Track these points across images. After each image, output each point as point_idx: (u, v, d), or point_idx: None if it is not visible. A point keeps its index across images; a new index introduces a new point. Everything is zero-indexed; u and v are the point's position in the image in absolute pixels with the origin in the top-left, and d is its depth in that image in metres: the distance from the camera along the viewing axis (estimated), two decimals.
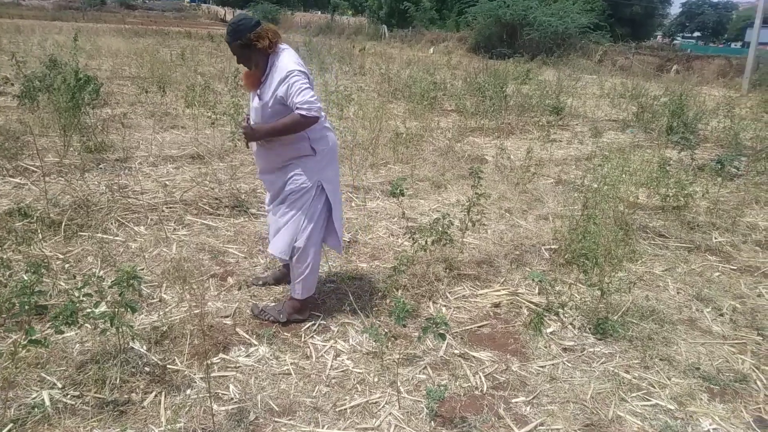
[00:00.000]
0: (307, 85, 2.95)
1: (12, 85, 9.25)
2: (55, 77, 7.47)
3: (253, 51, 3.01)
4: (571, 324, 3.54)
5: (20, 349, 2.43)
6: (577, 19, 26.56)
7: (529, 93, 11.76)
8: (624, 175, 5.20)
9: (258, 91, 3.12)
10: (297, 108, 2.89)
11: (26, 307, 2.30)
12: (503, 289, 3.97)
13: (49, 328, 2.54)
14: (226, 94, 10.24)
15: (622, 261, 3.76)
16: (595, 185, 5.12)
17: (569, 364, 3.15)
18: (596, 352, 3.28)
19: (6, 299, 3.12)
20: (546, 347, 3.31)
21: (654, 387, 2.99)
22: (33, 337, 2.32)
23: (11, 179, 5.42)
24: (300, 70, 2.97)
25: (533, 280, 3.56)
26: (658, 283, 4.24)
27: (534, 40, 26.05)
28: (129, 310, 2.59)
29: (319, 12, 55.77)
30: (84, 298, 2.73)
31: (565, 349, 3.29)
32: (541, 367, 3.12)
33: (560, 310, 3.61)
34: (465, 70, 15.75)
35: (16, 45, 15.52)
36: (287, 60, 3.03)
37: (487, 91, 10.85)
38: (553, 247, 4.67)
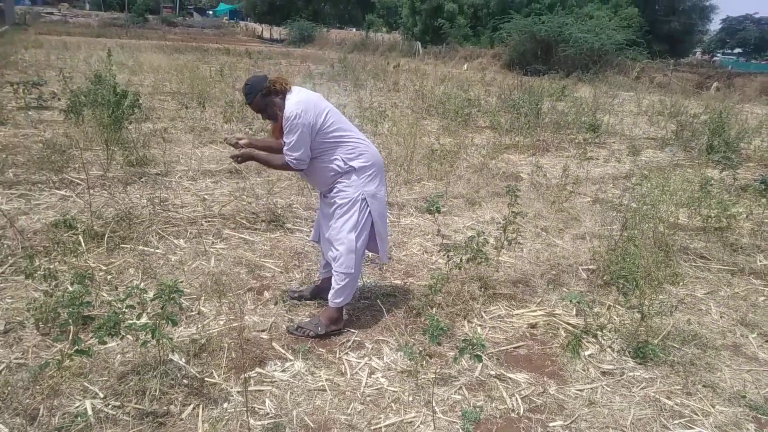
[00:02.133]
0: (298, 141, 3.17)
1: (59, 99, 9.60)
2: (98, 92, 7.73)
3: (273, 98, 3.23)
4: (609, 347, 3.47)
5: (66, 358, 2.49)
6: (613, 36, 26.29)
7: (565, 110, 11.66)
8: (664, 195, 5.09)
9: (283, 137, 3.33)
10: (286, 156, 3.24)
11: (74, 317, 2.36)
12: (540, 310, 3.92)
13: (92, 338, 2.59)
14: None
15: (662, 283, 3.68)
16: (635, 205, 5.04)
17: (608, 389, 3.08)
18: (636, 377, 3.21)
19: (52, 309, 3.23)
20: (584, 370, 3.25)
21: (697, 415, 2.90)
22: (79, 347, 2.38)
23: (57, 191, 5.60)
24: (297, 120, 3.13)
25: (571, 301, 3.50)
26: (700, 306, 4.13)
27: (569, 56, 25.85)
28: (170, 322, 2.64)
29: (354, 29, 56.39)
30: (126, 310, 2.80)
31: (603, 373, 3.23)
32: (579, 390, 3.06)
33: (599, 332, 3.54)
34: (499, 87, 15.71)
35: (63, 61, 16.10)
36: (289, 104, 3.21)
37: (521, 108, 10.79)
38: (590, 267, 4.59)
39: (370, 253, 3.79)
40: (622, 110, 14.51)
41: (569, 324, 3.72)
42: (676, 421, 2.85)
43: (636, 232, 4.21)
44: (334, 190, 3.35)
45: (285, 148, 3.22)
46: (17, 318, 3.33)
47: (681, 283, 4.42)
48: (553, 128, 10.48)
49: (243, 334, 3.32)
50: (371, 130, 9.15)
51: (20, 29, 30.09)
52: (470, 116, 11.11)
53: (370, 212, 3.38)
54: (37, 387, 2.66)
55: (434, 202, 3.93)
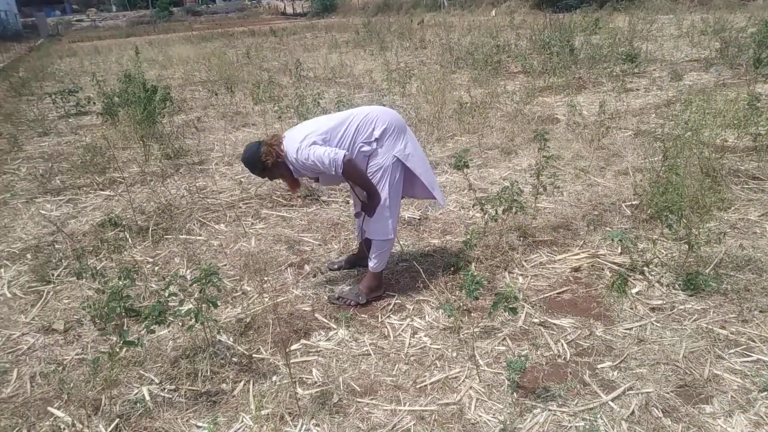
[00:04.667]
0: (321, 153, 2.98)
1: (95, 104, 9.86)
2: (128, 91, 7.90)
3: (274, 167, 3.16)
4: (658, 282, 3.37)
5: (117, 350, 2.61)
6: None
7: (600, 43, 11.17)
8: (708, 118, 4.84)
9: (305, 180, 3.32)
10: (338, 167, 2.99)
11: (117, 311, 2.45)
12: (583, 253, 3.83)
13: (143, 328, 2.70)
14: (290, 87, 10.44)
15: (710, 210, 3.53)
16: (676, 132, 4.82)
17: (658, 324, 3.00)
18: (687, 309, 3.11)
19: (105, 305, 3.37)
20: (632, 308, 3.17)
21: (755, 341, 2.80)
22: (126, 339, 2.48)
23: (101, 192, 5.80)
24: (303, 150, 3.02)
25: (613, 239, 3.40)
26: (754, 229, 3.94)
27: None
28: (211, 305, 2.71)
29: None
30: (170, 298, 2.89)
31: (653, 309, 3.14)
32: (628, 329, 2.99)
33: (645, 268, 3.44)
34: (530, 29, 15.15)
35: (96, 65, 16.51)
36: (289, 151, 3.10)
37: (553, 47, 10.41)
38: (634, 203, 4.44)
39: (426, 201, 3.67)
40: (662, 35, 13.80)
41: (614, 263, 3.62)
42: (732, 350, 2.75)
43: (679, 160, 4.02)
44: (369, 165, 3.24)
45: (324, 164, 3.00)
46: (75, 317, 3.49)
47: (731, 208, 4.23)
48: (588, 64, 10.07)
49: (286, 309, 3.39)
50: (399, 92, 9.04)
51: (54, 40, 30.97)
52: (500, 63, 10.80)
53: (401, 171, 3.27)
54: (97, 379, 2.80)
55: (461, 158, 3.86)
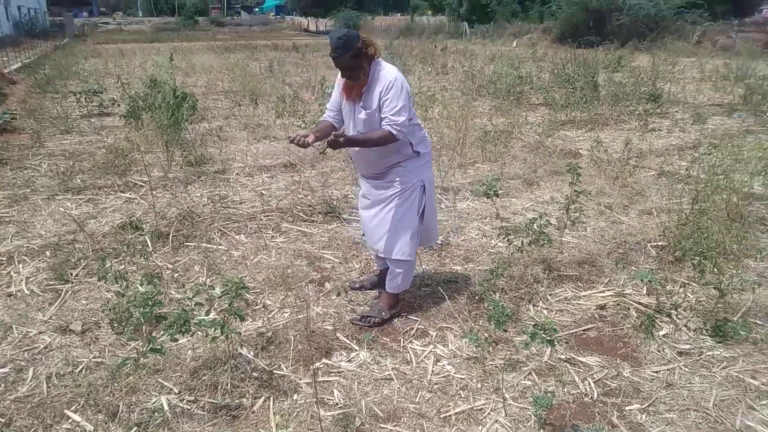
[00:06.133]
0: (405, 106, 3.02)
1: (119, 105, 9.94)
2: (155, 96, 7.96)
3: (363, 59, 3.03)
4: (685, 326, 3.31)
5: (141, 356, 2.57)
6: (670, 0, 25.07)
7: (623, 81, 11.20)
8: (737, 164, 4.81)
9: (361, 102, 3.15)
10: (390, 123, 3.01)
11: (147, 317, 2.42)
12: (608, 290, 3.78)
13: (164, 336, 2.66)
14: (313, 102, 10.49)
15: (741, 258, 3.48)
16: (704, 176, 4.79)
17: (686, 369, 2.95)
18: (716, 356, 3.05)
19: (125, 309, 3.34)
20: (659, 351, 3.11)
21: None
22: (154, 346, 2.45)
23: (122, 194, 5.80)
24: (402, 84, 3.03)
25: (642, 280, 3.35)
26: None
27: (624, 25, 24.83)
28: (237, 318, 2.68)
29: (399, 14, 56.03)
30: (195, 307, 2.86)
31: (680, 353, 3.08)
32: (656, 372, 2.93)
33: (673, 311, 3.39)
34: (551, 62, 15.24)
35: (121, 68, 16.68)
36: (389, 69, 3.09)
37: (577, 82, 10.44)
38: (660, 243, 4.40)
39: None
40: (684, 77, 13.82)
41: (640, 304, 3.57)
42: (764, 402, 2.69)
43: (709, 204, 3.99)
44: (392, 175, 3.25)
45: (390, 113, 3.01)
46: (93, 318, 3.47)
47: (759, 256, 4.18)
48: (611, 101, 10.09)
49: (308, 326, 3.35)
50: (421, 116, 9.06)
51: (80, 41, 31.42)
52: (522, 94, 10.84)
53: (425, 199, 3.34)
54: (116, 384, 2.76)
55: (491, 186, 3.85)
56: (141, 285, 3.37)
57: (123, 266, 4.07)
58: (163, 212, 5.12)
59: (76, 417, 2.60)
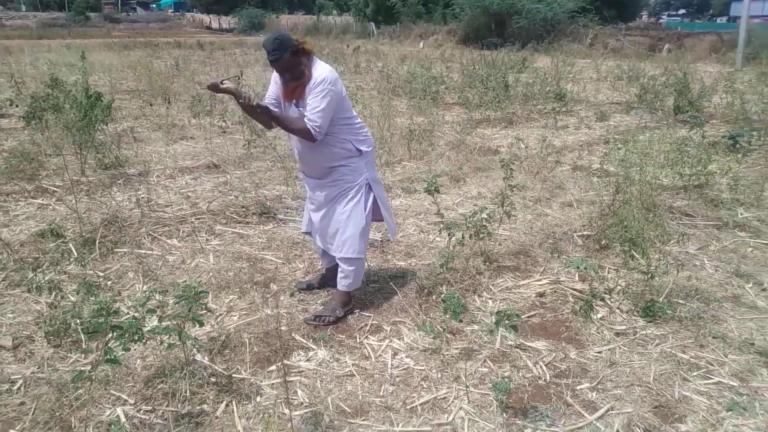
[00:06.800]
0: (326, 109, 3.03)
1: (16, 106, 9.22)
2: (62, 96, 7.46)
3: (302, 54, 3.02)
4: (618, 308, 3.56)
5: (96, 368, 2.44)
6: (564, 4, 26.56)
7: (530, 81, 11.78)
8: (645, 158, 5.22)
9: (295, 101, 3.16)
10: (309, 122, 3.05)
11: (102, 327, 2.30)
12: (544, 279, 3.99)
13: (115, 344, 2.52)
14: (229, 102, 10.23)
15: (655, 243, 3.79)
16: (618, 169, 5.15)
17: (625, 348, 3.17)
18: (649, 335, 3.30)
19: (62, 321, 3.14)
20: (599, 333, 3.33)
21: (713, 365, 3.01)
22: (111, 357, 2.33)
23: (33, 200, 5.41)
24: (330, 86, 3.02)
25: (578, 267, 3.57)
26: (694, 262, 4.26)
27: (523, 28, 26.05)
28: (196, 323, 2.59)
29: (304, 13, 55.57)
30: (146, 314, 2.74)
31: (617, 334, 3.32)
32: (598, 352, 3.14)
33: (606, 295, 3.63)
34: (459, 63, 15.72)
35: (9, 66, 15.43)
36: (322, 68, 3.09)
37: (489, 82, 10.86)
38: (585, 233, 4.69)
39: (377, 224, 3.74)
40: (582, 77, 14.72)
41: (575, 290, 3.80)
42: (695, 373, 2.95)
43: (629, 195, 4.31)
44: (337, 174, 3.28)
45: (310, 113, 3.03)
46: (24, 332, 3.22)
47: (671, 241, 4.56)
48: (522, 100, 10.58)
49: (260, 328, 3.30)
50: None
51: None
52: (438, 94, 11.13)
53: (374, 197, 3.40)
54: (64, 399, 2.60)
55: (432, 183, 3.94)
56: (77, 294, 3.19)
57: (55, 276, 3.80)
58: (85, 218, 4.83)
59: None
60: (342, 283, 3.44)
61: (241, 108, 3.09)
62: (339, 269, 3.43)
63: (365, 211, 3.34)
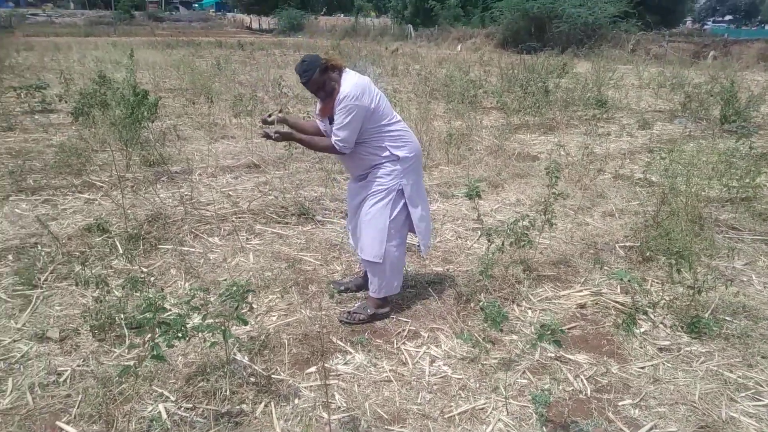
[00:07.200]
0: (350, 124, 3.10)
1: (65, 102, 9.49)
2: (110, 93, 7.65)
3: (331, 73, 3.13)
4: (662, 323, 3.48)
5: (142, 363, 2.48)
6: (606, 9, 26.15)
7: (570, 86, 11.61)
8: (694, 169, 5.09)
9: (329, 117, 3.27)
10: (334, 137, 3.16)
11: (150, 323, 2.34)
12: (585, 290, 3.92)
13: (160, 341, 2.56)
14: (269, 101, 10.36)
15: (712, 257, 3.69)
16: (656, 179, 5.03)
17: (669, 365, 3.10)
18: (694, 352, 3.22)
19: (107, 315, 3.22)
20: (641, 348, 3.26)
21: (762, 386, 2.92)
22: (158, 353, 2.37)
23: (80, 195, 5.56)
24: (353, 101, 3.07)
25: (621, 279, 3.50)
26: (741, 277, 4.14)
27: (563, 32, 25.73)
28: (240, 322, 2.63)
29: (342, 15, 55.87)
30: (190, 312, 2.78)
31: (661, 350, 3.24)
32: (641, 368, 3.07)
33: (650, 309, 3.55)
34: (497, 66, 15.59)
35: (58, 63, 15.90)
36: (347, 83, 3.14)
37: (529, 87, 10.74)
38: (628, 244, 4.59)
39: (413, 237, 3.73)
40: (624, 84, 14.45)
41: (617, 302, 3.73)
42: (743, 394, 2.86)
43: (675, 207, 4.21)
44: (371, 175, 3.30)
45: (335, 128, 3.14)
46: (70, 325, 3.31)
47: (717, 255, 4.43)
48: (562, 106, 10.44)
49: (299, 329, 3.32)
50: None
51: (6, 32, 29.72)
52: (476, 97, 11.05)
53: (405, 203, 3.34)
54: (108, 393, 2.66)
55: (474, 188, 3.92)
56: (122, 289, 3.27)
57: (101, 271, 3.89)
58: (130, 214, 4.94)
59: (70, 429, 2.49)
60: (370, 288, 3.46)
61: (276, 141, 3.27)
62: (367, 272, 3.48)
63: (390, 216, 3.29)
